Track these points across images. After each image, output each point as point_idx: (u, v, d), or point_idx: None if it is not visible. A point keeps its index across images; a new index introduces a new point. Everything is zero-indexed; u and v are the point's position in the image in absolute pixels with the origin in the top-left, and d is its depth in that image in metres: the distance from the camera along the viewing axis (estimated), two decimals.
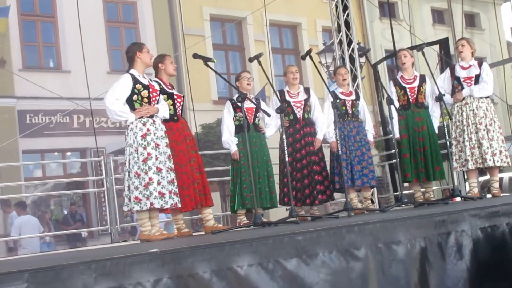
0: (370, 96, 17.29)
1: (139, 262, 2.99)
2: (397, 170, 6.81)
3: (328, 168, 7.14)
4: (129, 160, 5.58)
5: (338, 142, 6.54)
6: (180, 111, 6.24)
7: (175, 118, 6.13)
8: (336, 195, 7.45)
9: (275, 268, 3.31)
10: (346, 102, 7.18)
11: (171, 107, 6.09)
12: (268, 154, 6.82)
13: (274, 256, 3.34)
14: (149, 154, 5.52)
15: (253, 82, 7.32)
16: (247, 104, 6.48)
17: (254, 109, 6.64)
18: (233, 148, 6.59)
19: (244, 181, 6.54)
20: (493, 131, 6.84)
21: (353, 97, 7.27)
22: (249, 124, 6.55)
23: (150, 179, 5.47)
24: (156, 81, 6.10)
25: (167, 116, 5.89)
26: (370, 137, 7.35)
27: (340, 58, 10.90)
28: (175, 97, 6.17)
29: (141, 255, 3.03)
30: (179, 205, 5.73)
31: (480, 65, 7.02)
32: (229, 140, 6.60)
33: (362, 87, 11.22)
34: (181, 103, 6.28)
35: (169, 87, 6.23)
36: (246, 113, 6.55)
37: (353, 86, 9.96)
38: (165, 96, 6.07)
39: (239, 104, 6.45)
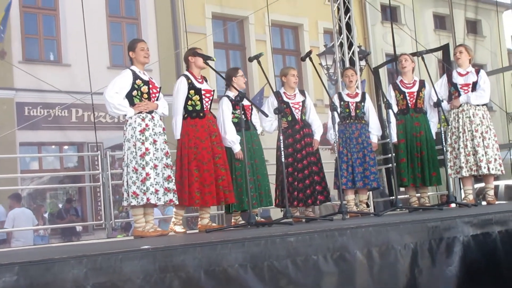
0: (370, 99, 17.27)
1: (131, 259, 2.99)
2: (393, 174, 6.81)
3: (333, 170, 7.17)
4: (127, 155, 5.60)
5: (339, 144, 6.53)
6: (208, 107, 6.13)
7: (201, 114, 6.05)
8: (336, 197, 7.45)
9: (266, 269, 3.31)
10: (350, 104, 7.22)
11: (198, 102, 6.03)
12: (263, 152, 6.81)
13: (266, 257, 3.35)
14: (146, 149, 5.54)
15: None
16: (245, 102, 6.46)
17: (251, 107, 6.62)
18: (238, 148, 6.40)
19: (250, 181, 6.45)
20: (489, 138, 6.86)
21: (357, 99, 7.28)
22: (248, 122, 6.56)
23: (147, 174, 5.50)
24: (186, 76, 6.08)
25: (167, 113, 5.89)
26: (374, 139, 7.35)
27: (340, 61, 10.89)
28: (202, 92, 6.08)
29: (132, 251, 3.03)
30: (177, 202, 5.74)
31: (477, 72, 7.04)
32: (235, 138, 6.40)
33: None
34: (210, 98, 6.16)
35: (200, 80, 6.15)
36: (246, 111, 6.55)
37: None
38: (192, 91, 6.02)
39: (237, 101, 6.43)
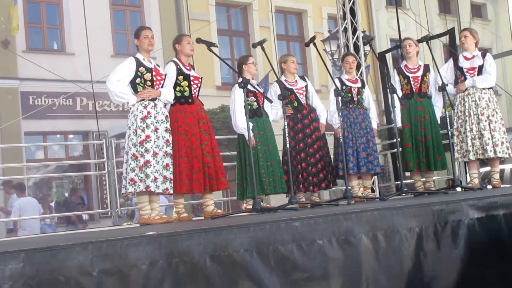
0: (374, 84, 17.22)
1: (136, 245, 3.00)
2: (398, 159, 6.81)
3: (332, 155, 7.17)
4: (127, 142, 5.61)
5: (343, 129, 6.54)
6: (196, 93, 6.12)
7: (190, 100, 6.04)
8: (340, 182, 7.46)
9: (271, 253, 3.31)
10: (352, 89, 7.19)
11: (187, 88, 6.02)
12: (275, 139, 6.82)
13: (271, 241, 3.35)
14: (147, 136, 5.53)
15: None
16: (258, 89, 6.50)
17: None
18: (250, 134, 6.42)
19: (262, 166, 6.48)
20: (495, 122, 6.82)
21: (358, 84, 7.29)
22: (261, 109, 6.58)
23: (147, 161, 5.49)
24: (175, 62, 6.07)
25: (171, 100, 5.88)
26: (374, 124, 7.36)
27: (344, 46, 10.86)
28: (191, 78, 6.07)
29: (138, 237, 3.04)
30: (171, 191, 5.75)
31: (483, 56, 6.99)
32: (246, 125, 6.32)
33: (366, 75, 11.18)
34: (198, 84, 6.14)
35: (188, 67, 6.14)
36: (258, 98, 6.55)
37: (356, 74, 9.98)
38: (181, 77, 6.01)
39: (250, 88, 6.39)
